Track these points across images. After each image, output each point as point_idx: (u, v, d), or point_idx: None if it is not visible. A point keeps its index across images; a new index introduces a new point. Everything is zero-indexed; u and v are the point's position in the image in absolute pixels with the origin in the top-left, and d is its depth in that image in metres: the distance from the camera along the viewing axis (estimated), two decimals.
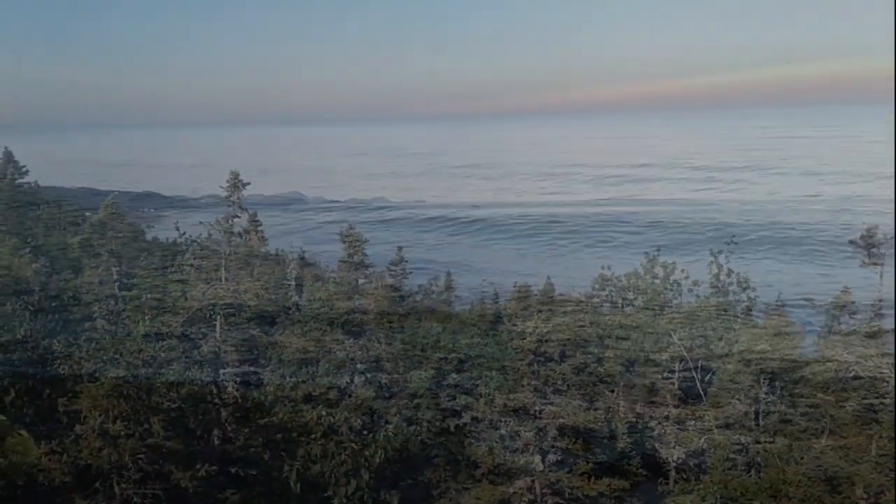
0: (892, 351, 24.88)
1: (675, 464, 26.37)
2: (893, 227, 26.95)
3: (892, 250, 26.67)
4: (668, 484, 25.88)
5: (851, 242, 26.48)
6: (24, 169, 53.62)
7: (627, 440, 26.56)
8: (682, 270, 39.23)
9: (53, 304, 32.50)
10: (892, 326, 26.09)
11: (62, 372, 24.57)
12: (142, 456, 19.44)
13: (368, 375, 29.49)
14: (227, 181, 26.20)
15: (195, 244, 34.21)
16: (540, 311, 25.63)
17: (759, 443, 25.64)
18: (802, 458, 23.19)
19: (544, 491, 21.94)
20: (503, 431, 23.15)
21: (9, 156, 53.42)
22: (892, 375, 24.58)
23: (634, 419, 27.74)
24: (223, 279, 25.62)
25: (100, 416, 19.28)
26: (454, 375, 30.47)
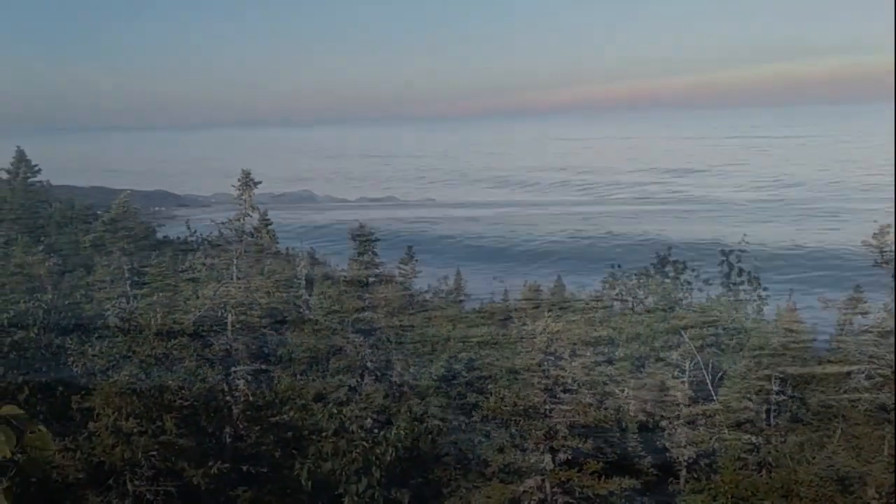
0: None
1: (685, 463, 26.31)
2: (893, 226, 26.84)
3: (892, 250, 26.58)
4: (678, 483, 25.83)
5: (864, 243, 26.35)
6: (36, 168, 53.94)
7: (638, 439, 26.51)
8: (693, 270, 39.21)
9: (66, 302, 32.69)
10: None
11: (75, 370, 24.75)
12: (154, 453, 19.54)
13: (379, 374, 29.56)
14: (239, 180, 26.28)
15: (206, 243, 34.36)
16: (550, 311, 25.65)
17: (770, 442, 25.57)
18: (814, 458, 23.12)
19: (554, 490, 21.94)
20: (513, 430, 23.17)
21: (21, 155, 53.75)
22: (894, 375, 24.50)
23: (645, 418, 27.69)
24: (234, 277, 25.71)
25: (113, 413, 19.40)
26: (464, 374, 30.52)
